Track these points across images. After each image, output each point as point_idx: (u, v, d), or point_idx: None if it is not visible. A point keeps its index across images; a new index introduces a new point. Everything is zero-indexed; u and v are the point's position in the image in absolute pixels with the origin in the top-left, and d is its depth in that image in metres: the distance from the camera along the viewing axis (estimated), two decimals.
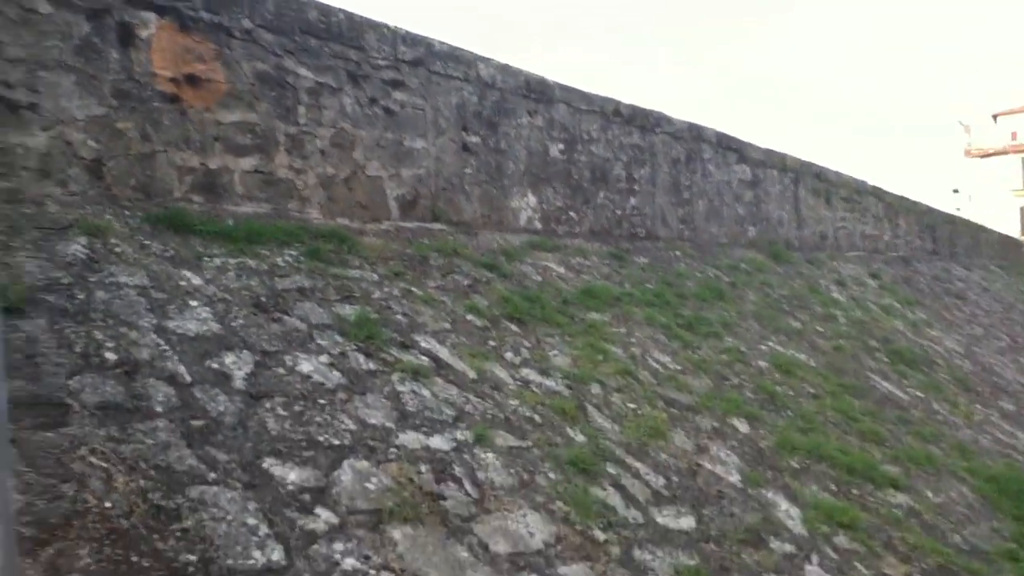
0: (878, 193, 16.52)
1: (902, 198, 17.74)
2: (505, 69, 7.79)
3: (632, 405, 5.40)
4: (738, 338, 7.78)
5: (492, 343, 5.34)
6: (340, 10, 6.32)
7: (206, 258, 4.52)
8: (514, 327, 5.73)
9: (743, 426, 5.87)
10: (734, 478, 5.12)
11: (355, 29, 6.28)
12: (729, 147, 11.52)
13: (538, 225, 7.83)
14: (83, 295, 3.69)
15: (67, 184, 4.33)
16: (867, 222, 15.83)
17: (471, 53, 7.48)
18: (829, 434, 6.45)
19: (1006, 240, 27.59)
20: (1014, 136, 45.87)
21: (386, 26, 6.66)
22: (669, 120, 10.20)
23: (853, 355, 9.09)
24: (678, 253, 9.50)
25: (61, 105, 4.39)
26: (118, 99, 4.69)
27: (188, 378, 3.50)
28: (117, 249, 4.14)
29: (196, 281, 4.26)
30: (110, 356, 3.37)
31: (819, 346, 8.88)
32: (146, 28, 4.92)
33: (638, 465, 4.72)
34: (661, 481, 4.69)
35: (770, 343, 8.16)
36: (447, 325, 5.24)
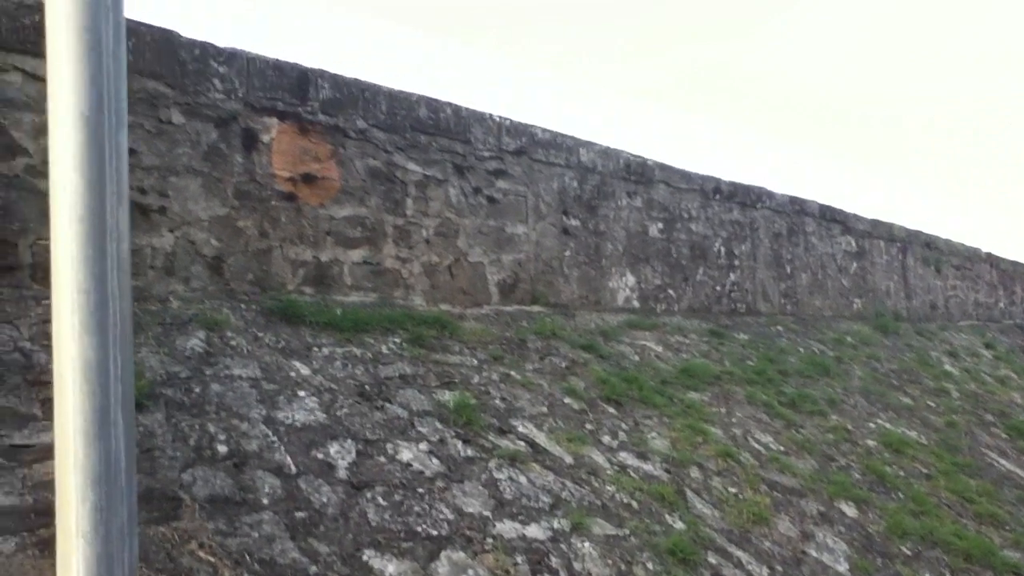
0: (992, 260, 15.71)
1: (1017, 263, 16.83)
2: (606, 153, 7.81)
3: (733, 489, 5.19)
4: (844, 416, 7.42)
5: (589, 426, 5.24)
6: (448, 105, 6.48)
7: (315, 348, 4.62)
8: (611, 409, 5.61)
9: (851, 510, 5.55)
10: (842, 567, 4.82)
11: (461, 123, 6.42)
12: (833, 219, 11.19)
13: (636, 304, 7.73)
14: (199, 388, 3.81)
15: (189, 281, 4.52)
16: (980, 289, 15.03)
17: (572, 139, 7.53)
18: (943, 517, 6.03)
19: None
20: None
21: (491, 118, 6.79)
22: (770, 195, 9.99)
23: (968, 431, 8.53)
24: (780, 328, 9.20)
25: (188, 207, 4.62)
26: (239, 199, 4.90)
27: (294, 469, 3.55)
28: (232, 342, 4.27)
29: (305, 371, 4.35)
30: (221, 448, 3.45)
31: (931, 422, 8.38)
32: (268, 132, 5.15)
33: (740, 554, 4.50)
34: (765, 571, 4.46)
35: (879, 420, 7.75)
36: (544, 409, 5.18)
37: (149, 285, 4.32)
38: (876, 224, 12.11)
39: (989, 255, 15.66)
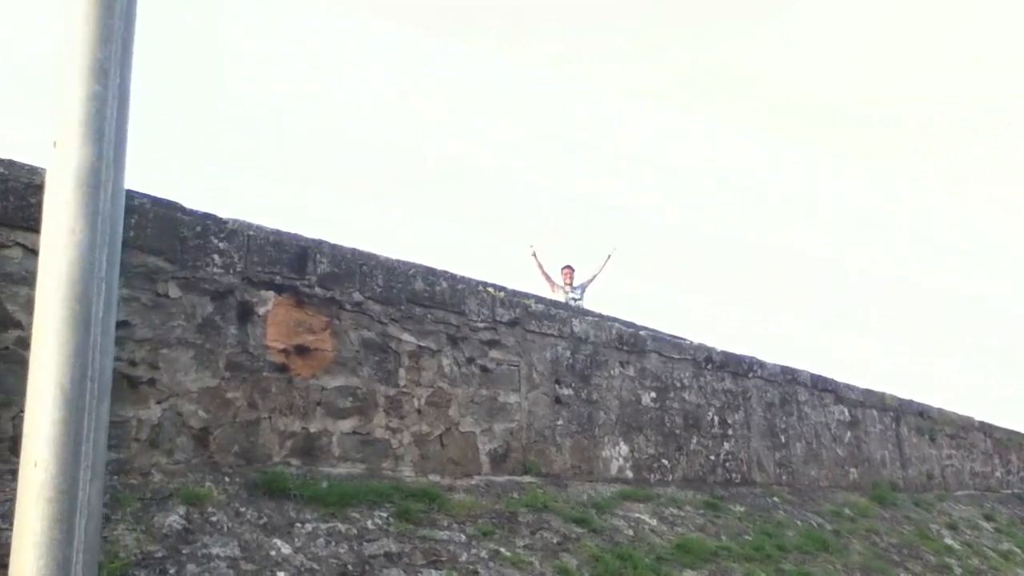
0: (985, 428, 15.34)
1: (1012, 432, 16.42)
2: (598, 324, 7.76)
3: None
4: None
5: None
6: (444, 277, 6.49)
7: (298, 524, 4.38)
8: None
9: None
10: None
11: (457, 296, 6.40)
12: (825, 388, 11.00)
13: (629, 474, 7.45)
14: (174, 569, 3.57)
15: (173, 453, 4.35)
16: (976, 459, 14.58)
17: (566, 311, 7.51)
18: None
19: None
20: None
21: (486, 291, 6.78)
22: (762, 364, 9.86)
23: None
24: (776, 499, 8.83)
25: (177, 379, 4.51)
26: (231, 371, 4.79)
27: None
28: (213, 518, 4.05)
29: (285, 550, 4.10)
30: None
31: None
32: (264, 305, 5.10)
33: None
34: None
35: None
36: None
37: (132, 458, 4.14)
38: (868, 393, 11.90)
39: (983, 424, 15.31)
